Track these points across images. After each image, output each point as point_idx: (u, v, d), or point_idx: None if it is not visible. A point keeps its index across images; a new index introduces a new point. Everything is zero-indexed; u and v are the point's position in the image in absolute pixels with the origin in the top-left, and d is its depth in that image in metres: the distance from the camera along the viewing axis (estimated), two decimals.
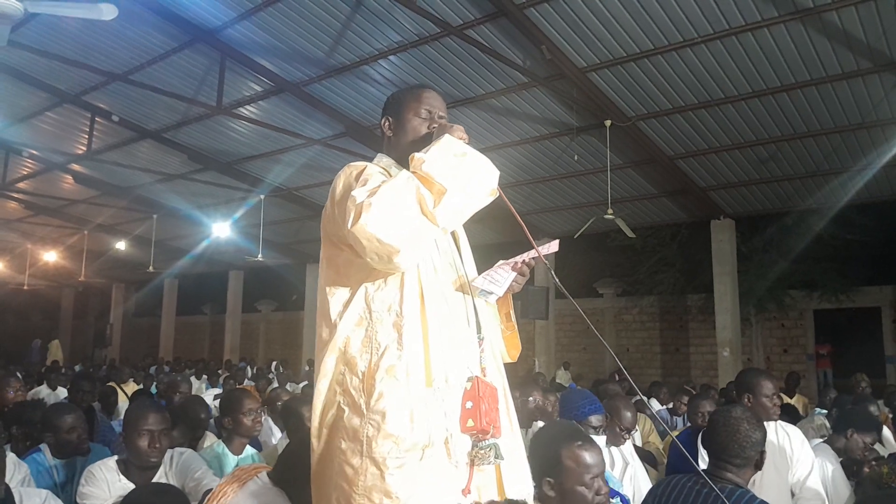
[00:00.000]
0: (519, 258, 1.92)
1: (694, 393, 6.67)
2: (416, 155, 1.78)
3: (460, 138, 1.86)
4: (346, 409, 1.79)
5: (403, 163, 1.98)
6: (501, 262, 1.96)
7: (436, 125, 2.02)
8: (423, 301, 1.82)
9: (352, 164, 1.94)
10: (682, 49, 7.48)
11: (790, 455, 3.27)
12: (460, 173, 1.74)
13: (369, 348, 1.79)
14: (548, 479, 2.24)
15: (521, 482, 1.89)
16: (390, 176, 1.88)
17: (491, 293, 1.97)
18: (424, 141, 1.97)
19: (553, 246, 1.92)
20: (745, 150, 9.50)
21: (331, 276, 1.93)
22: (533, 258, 1.91)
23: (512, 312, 2.14)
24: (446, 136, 1.84)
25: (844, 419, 4.02)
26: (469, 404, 1.78)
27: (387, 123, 2.09)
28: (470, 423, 1.76)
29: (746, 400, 3.33)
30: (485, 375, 1.85)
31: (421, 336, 1.80)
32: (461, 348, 1.86)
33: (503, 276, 1.94)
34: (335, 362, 1.84)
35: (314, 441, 1.87)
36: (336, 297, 1.89)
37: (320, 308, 1.93)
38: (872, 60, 7.25)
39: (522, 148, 10.23)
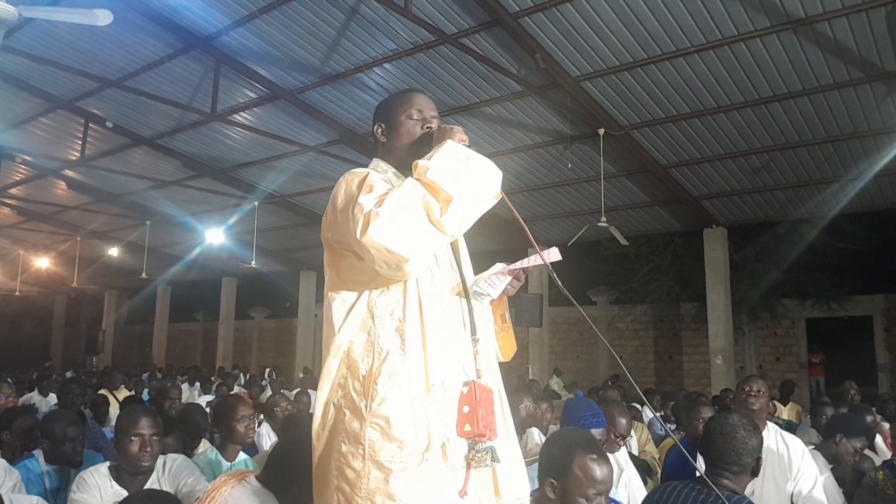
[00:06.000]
0: (520, 265, 1.92)
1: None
2: (420, 162, 1.77)
3: (461, 140, 1.86)
4: (347, 412, 1.80)
5: (401, 167, 2.01)
6: (501, 265, 1.97)
7: (430, 125, 2.02)
8: (421, 306, 1.84)
9: (353, 170, 1.92)
10: (675, 59, 7.52)
11: (789, 465, 3.24)
12: (465, 179, 1.74)
13: (371, 352, 1.81)
14: (552, 480, 2.21)
15: (518, 485, 1.89)
16: (392, 185, 1.89)
17: (487, 296, 1.99)
18: (422, 143, 1.97)
19: (554, 253, 1.91)
20: (737, 160, 9.54)
21: (333, 280, 1.93)
22: (533, 265, 1.92)
23: (507, 313, 2.13)
24: (448, 141, 1.84)
25: (833, 425, 4.04)
26: (466, 409, 1.80)
27: (379, 130, 2.08)
28: (467, 427, 1.78)
29: None
30: (480, 378, 1.85)
31: (421, 341, 1.81)
32: (457, 352, 1.87)
33: (502, 280, 1.96)
34: (338, 365, 1.85)
35: (315, 443, 1.88)
36: (339, 301, 1.90)
37: (325, 312, 1.94)
38: (864, 71, 7.30)
39: (516, 156, 10.26)
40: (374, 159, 2.09)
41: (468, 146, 1.86)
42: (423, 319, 1.83)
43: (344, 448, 1.78)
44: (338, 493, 1.77)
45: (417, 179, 1.74)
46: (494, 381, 1.94)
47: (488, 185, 1.80)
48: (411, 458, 1.73)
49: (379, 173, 1.95)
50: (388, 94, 2.21)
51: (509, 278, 1.97)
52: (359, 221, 1.68)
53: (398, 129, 2.03)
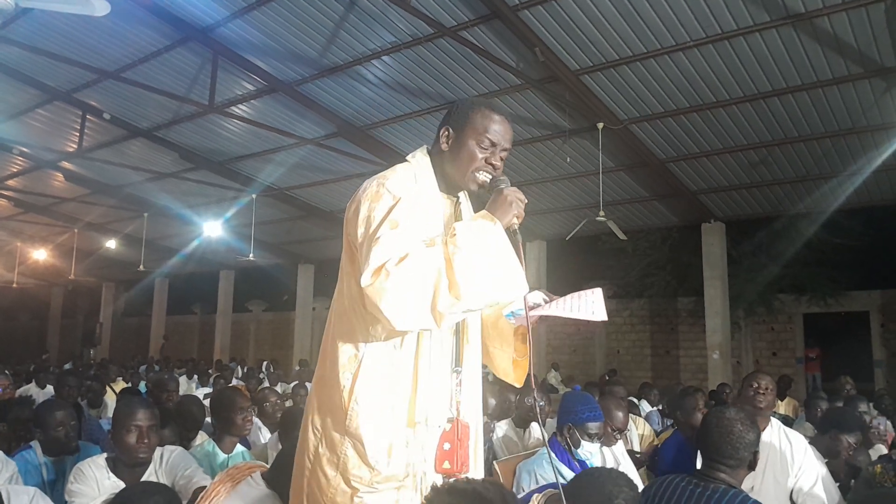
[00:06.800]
0: (565, 314, 1.86)
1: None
2: (457, 233, 1.69)
3: (515, 217, 1.79)
4: (328, 416, 1.80)
5: (447, 184, 1.95)
6: (540, 294, 1.92)
7: (494, 164, 1.92)
8: (419, 338, 1.80)
9: (385, 180, 1.80)
10: (674, 53, 7.50)
11: (791, 462, 3.22)
12: (485, 285, 1.66)
13: (357, 372, 1.77)
14: None
15: None
16: (419, 199, 1.81)
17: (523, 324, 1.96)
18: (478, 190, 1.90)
19: (599, 299, 1.86)
20: (736, 155, 9.53)
21: (347, 269, 1.88)
22: (578, 317, 1.86)
23: (529, 334, 1.97)
24: (495, 224, 1.74)
25: (828, 420, 4.04)
26: (447, 446, 1.79)
27: (445, 135, 1.93)
28: (446, 464, 1.78)
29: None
30: (460, 411, 1.83)
31: (412, 374, 1.78)
32: (444, 386, 1.84)
33: (544, 319, 1.92)
34: (327, 370, 1.83)
35: (300, 433, 1.90)
36: (343, 295, 1.87)
37: (335, 297, 1.92)
38: (863, 66, 7.29)
39: (515, 150, 10.20)
40: (425, 155, 1.97)
41: (520, 224, 1.79)
42: (419, 351, 1.80)
43: (321, 450, 1.79)
44: (308, 488, 1.81)
45: (444, 246, 1.68)
46: (473, 415, 1.91)
47: (505, 295, 1.73)
48: (381, 486, 1.74)
49: (415, 185, 1.85)
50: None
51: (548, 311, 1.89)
52: (370, 266, 1.63)
53: (461, 149, 1.90)
